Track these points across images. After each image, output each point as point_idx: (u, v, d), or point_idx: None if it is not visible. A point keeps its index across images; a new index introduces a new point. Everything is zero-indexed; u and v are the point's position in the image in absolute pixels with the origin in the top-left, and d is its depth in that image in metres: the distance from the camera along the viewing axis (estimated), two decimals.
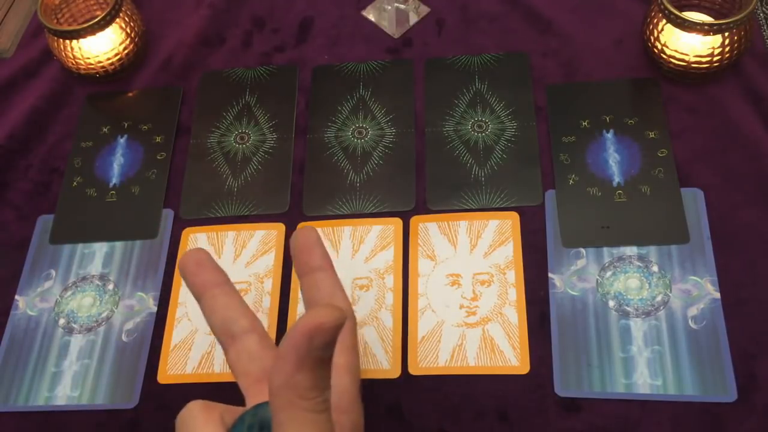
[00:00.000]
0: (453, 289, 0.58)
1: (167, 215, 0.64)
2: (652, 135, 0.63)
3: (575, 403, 0.53)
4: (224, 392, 0.56)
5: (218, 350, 0.58)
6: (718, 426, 0.51)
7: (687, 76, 0.64)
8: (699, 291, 0.56)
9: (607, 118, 0.64)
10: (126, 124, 0.70)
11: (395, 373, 0.55)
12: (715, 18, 0.64)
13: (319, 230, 0.62)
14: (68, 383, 0.57)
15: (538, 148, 0.64)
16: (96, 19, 0.67)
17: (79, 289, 0.61)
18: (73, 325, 0.60)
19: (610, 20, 0.70)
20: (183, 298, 0.60)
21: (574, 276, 0.57)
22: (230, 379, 0.57)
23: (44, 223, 0.65)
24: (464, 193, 0.62)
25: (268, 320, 0.58)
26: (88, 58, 0.70)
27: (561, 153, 0.63)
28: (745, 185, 0.60)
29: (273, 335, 0.58)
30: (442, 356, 0.55)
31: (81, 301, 0.61)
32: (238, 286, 0.60)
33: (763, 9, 0.71)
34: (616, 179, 0.61)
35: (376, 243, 0.61)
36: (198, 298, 0.44)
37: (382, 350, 0.56)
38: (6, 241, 0.65)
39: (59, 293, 0.61)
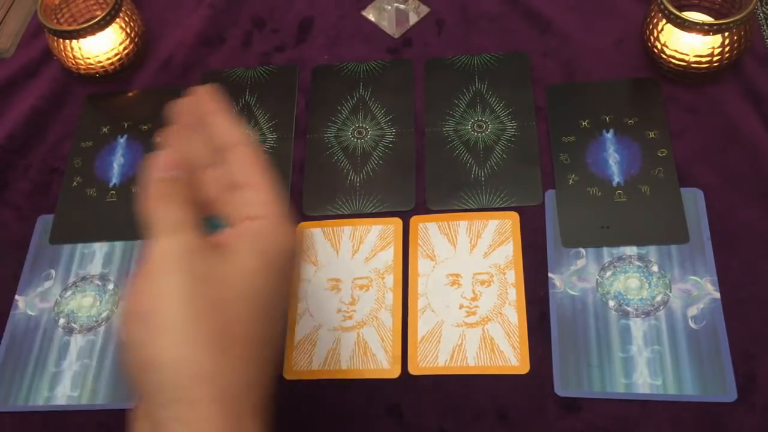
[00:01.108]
0: (453, 289, 0.58)
1: None
2: (652, 135, 0.63)
3: (575, 403, 0.53)
4: None
5: None
6: (718, 426, 0.51)
7: (687, 76, 0.64)
8: (699, 291, 0.56)
9: (607, 118, 0.64)
10: (126, 124, 0.70)
11: (395, 373, 0.55)
12: (715, 18, 0.64)
13: (319, 230, 0.62)
14: (68, 383, 0.57)
15: (538, 148, 0.64)
16: (96, 19, 0.67)
17: (79, 289, 0.61)
18: (73, 325, 0.60)
19: (610, 20, 0.70)
20: None
21: (574, 276, 0.57)
22: None
23: (44, 223, 0.65)
24: (464, 193, 0.62)
25: None
26: (88, 58, 0.70)
27: (561, 153, 0.63)
28: (745, 185, 0.60)
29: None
30: (442, 356, 0.55)
31: (81, 301, 0.61)
32: None
33: (763, 9, 0.71)
34: (616, 179, 0.61)
35: (376, 243, 0.61)
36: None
37: (382, 350, 0.56)
38: (6, 241, 0.65)
39: (59, 293, 0.61)
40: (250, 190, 0.42)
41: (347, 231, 0.62)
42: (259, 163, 0.43)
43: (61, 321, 0.60)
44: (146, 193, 0.41)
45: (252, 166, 0.42)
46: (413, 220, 0.62)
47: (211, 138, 0.43)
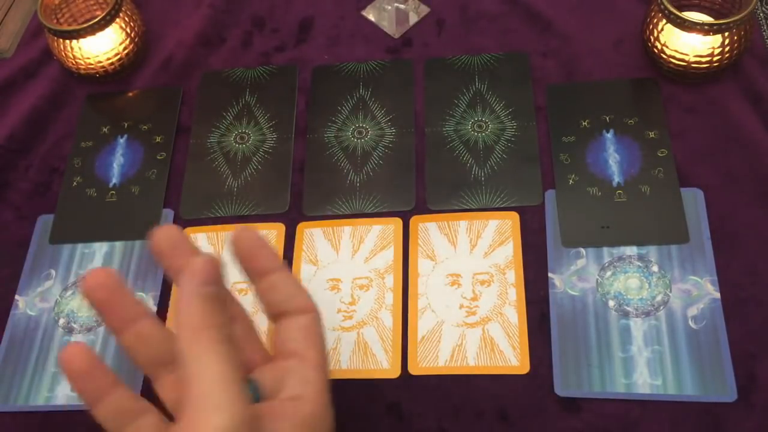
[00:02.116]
0: (453, 289, 0.58)
1: (167, 215, 0.64)
2: (652, 135, 0.63)
3: (575, 403, 0.53)
4: None
5: None
6: (718, 426, 0.51)
7: (687, 76, 0.64)
8: (699, 291, 0.56)
9: (607, 118, 0.64)
10: (126, 124, 0.70)
11: (395, 373, 0.55)
12: (715, 18, 0.64)
13: (319, 230, 0.62)
14: (68, 383, 0.57)
15: (538, 148, 0.64)
16: (96, 19, 0.67)
17: (79, 288, 0.61)
18: (73, 325, 0.60)
19: (610, 20, 0.70)
20: None
21: (574, 276, 0.57)
22: None
23: (44, 223, 0.65)
24: (464, 193, 0.62)
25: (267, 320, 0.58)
26: (88, 58, 0.70)
27: (561, 153, 0.63)
28: (745, 185, 0.60)
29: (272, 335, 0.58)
30: (442, 356, 0.55)
31: (81, 300, 0.61)
32: (237, 286, 0.60)
33: (763, 9, 0.71)
34: (616, 179, 0.61)
35: (376, 243, 0.61)
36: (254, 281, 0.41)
37: (382, 350, 0.56)
38: (6, 241, 0.65)
39: (59, 293, 0.62)
40: (299, 362, 0.39)
41: (347, 231, 0.62)
42: (319, 335, 0.40)
43: (61, 321, 0.60)
44: (181, 314, 0.35)
45: (310, 338, 0.40)
46: (413, 220, 0.62)
47: (265, 295, 0.40)
